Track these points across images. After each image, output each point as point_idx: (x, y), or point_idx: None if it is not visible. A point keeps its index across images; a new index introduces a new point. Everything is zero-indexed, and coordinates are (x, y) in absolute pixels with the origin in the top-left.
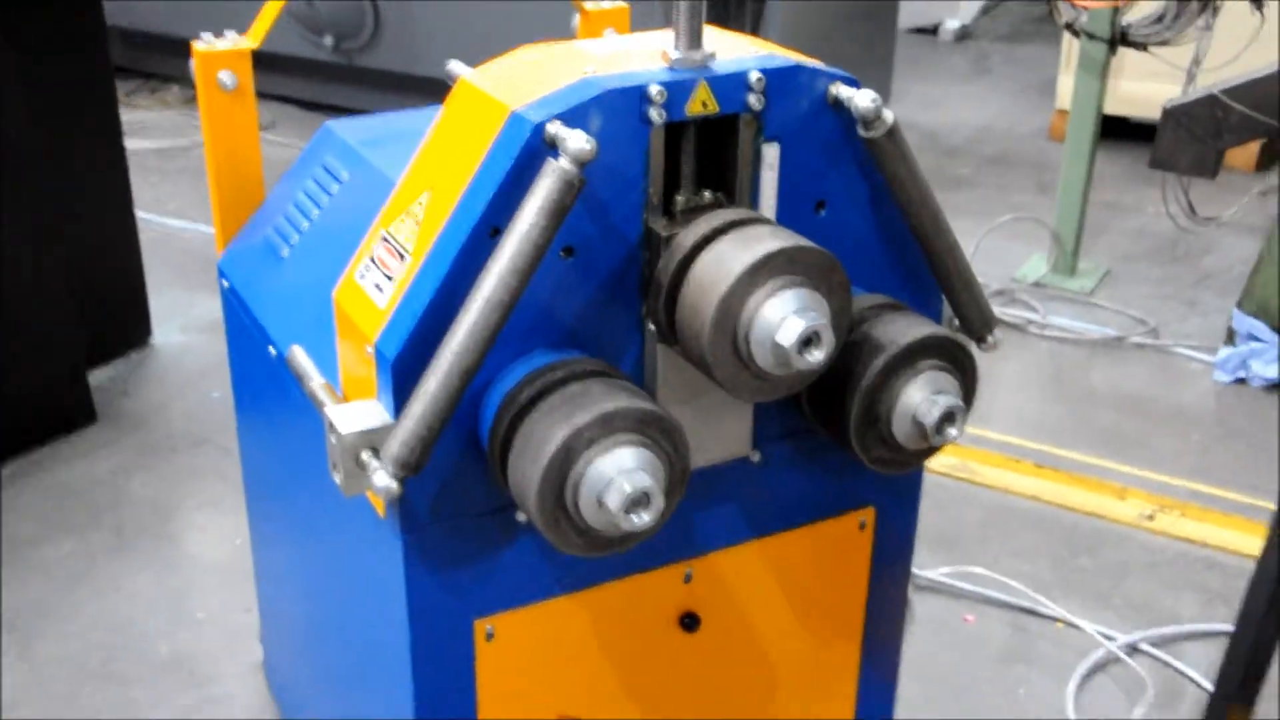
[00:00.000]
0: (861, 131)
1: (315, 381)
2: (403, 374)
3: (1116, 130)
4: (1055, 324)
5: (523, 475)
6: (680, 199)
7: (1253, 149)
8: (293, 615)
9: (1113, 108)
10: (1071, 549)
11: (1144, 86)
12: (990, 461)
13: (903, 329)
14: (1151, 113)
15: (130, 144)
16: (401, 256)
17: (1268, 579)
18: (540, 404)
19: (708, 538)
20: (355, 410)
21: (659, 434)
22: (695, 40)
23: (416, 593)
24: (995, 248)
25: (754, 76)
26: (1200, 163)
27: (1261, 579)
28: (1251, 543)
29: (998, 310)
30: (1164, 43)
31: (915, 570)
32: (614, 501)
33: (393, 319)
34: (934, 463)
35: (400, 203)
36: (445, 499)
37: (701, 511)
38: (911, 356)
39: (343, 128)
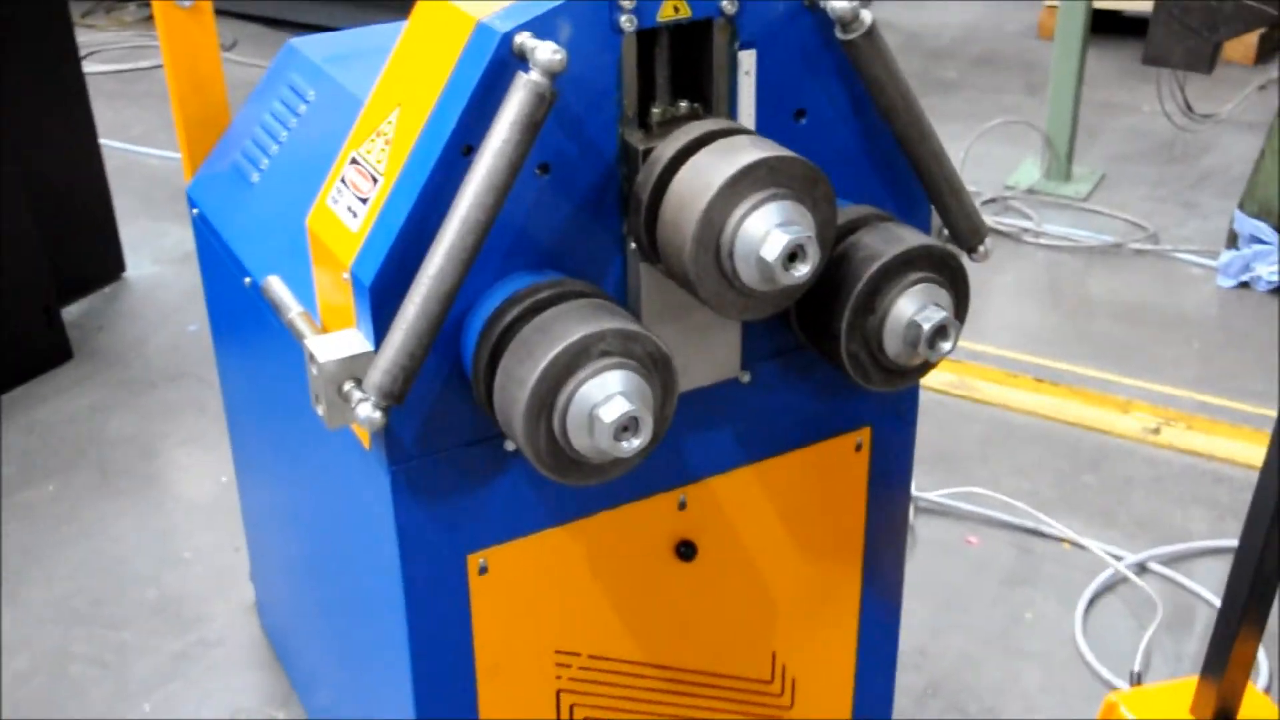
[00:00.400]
0: (839, 34)
1: (293, 311)
2: (381, 300)
3: (1108, 25)
4: (1050, 232)
5: (508, 402)
6: (656, 111)
7: (1250, 40)
8: (283, 553)
9: (1104, 1)
10: (1075, 466)
11: None
12: (988, 377)
13: (890, 240)
14: (1144, 6)
15: (89, 68)
16: (373, 179)
17: (1271, 491)
18: (522, 328)
19: (700, 463)
20: (335, 339)
21: (645, 356)
22: None
23: (407, 527)
24: (985, 154)
25: None
26: (1196, 57)
27: (1264, 491)
28: (1260, 454)
29: (990, 219)
30: None
31: (915, 492)
32: (602, 426)
33: (367, 243)
34: (931, 379)
35: (369, 122)
36: (432, 429)
37: (693, 436)
38: (900, 268)
39: (307, 45)
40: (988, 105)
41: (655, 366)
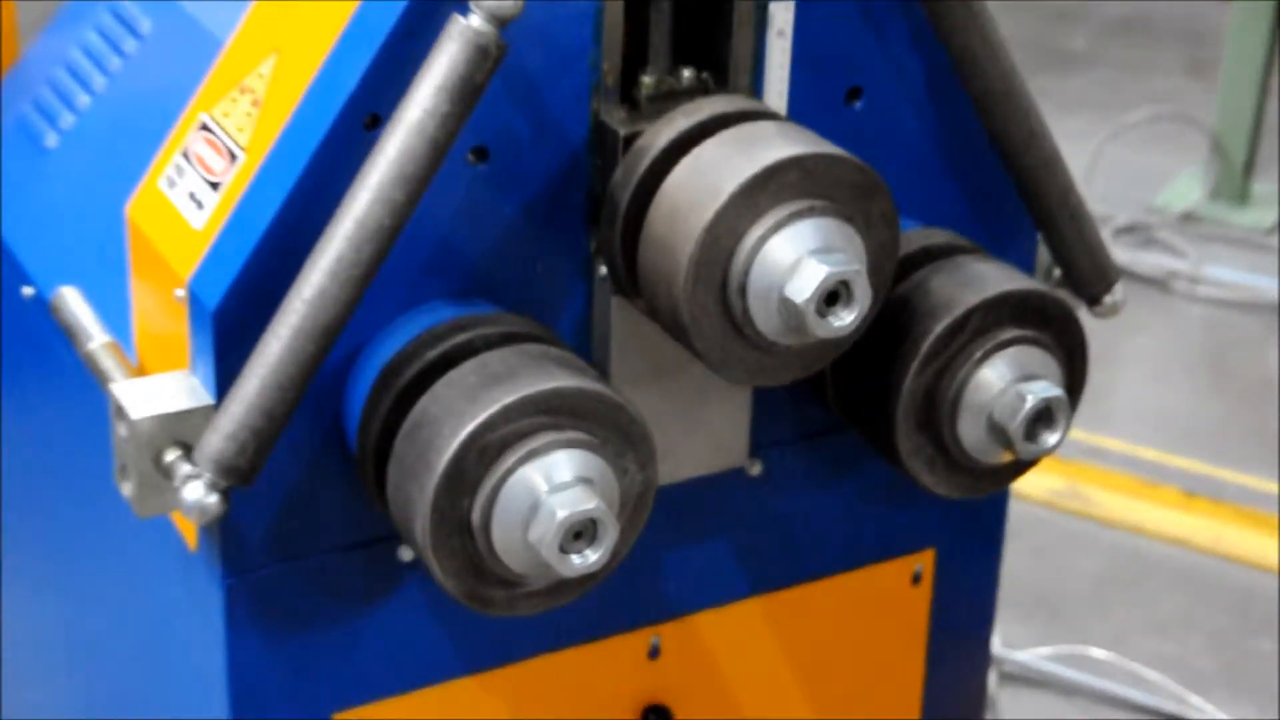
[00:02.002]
0: None
1: (95, 341)
2: (230, 331)
3: None
4: (1213, 278)
5: (407, 492)
6: (647, 80)
7: None
8: (60, 693)
9: None
10: (1241, 623)
11: None
12: (1114, 486)
13: (973, 281)
14: None
15: None
16: (230, 155)
17: None
18: (435, 383)
19: (684, 592)
20: (156, 386)
21: (612, 431)
22: None
23: (245, 669)
24: (1123, 161)
25: None
26: None
27: None
28: None
29: (1125, 255)
30: None
31: (999, 650)
32: (543, 532)
33: (216, 248)
34: (1027, 487)
35: (230, 73)
36: (291, 526)
37: (675, 551)
38: (987, 322)
39: None
40: (1130, 90)
41: (626, 447)
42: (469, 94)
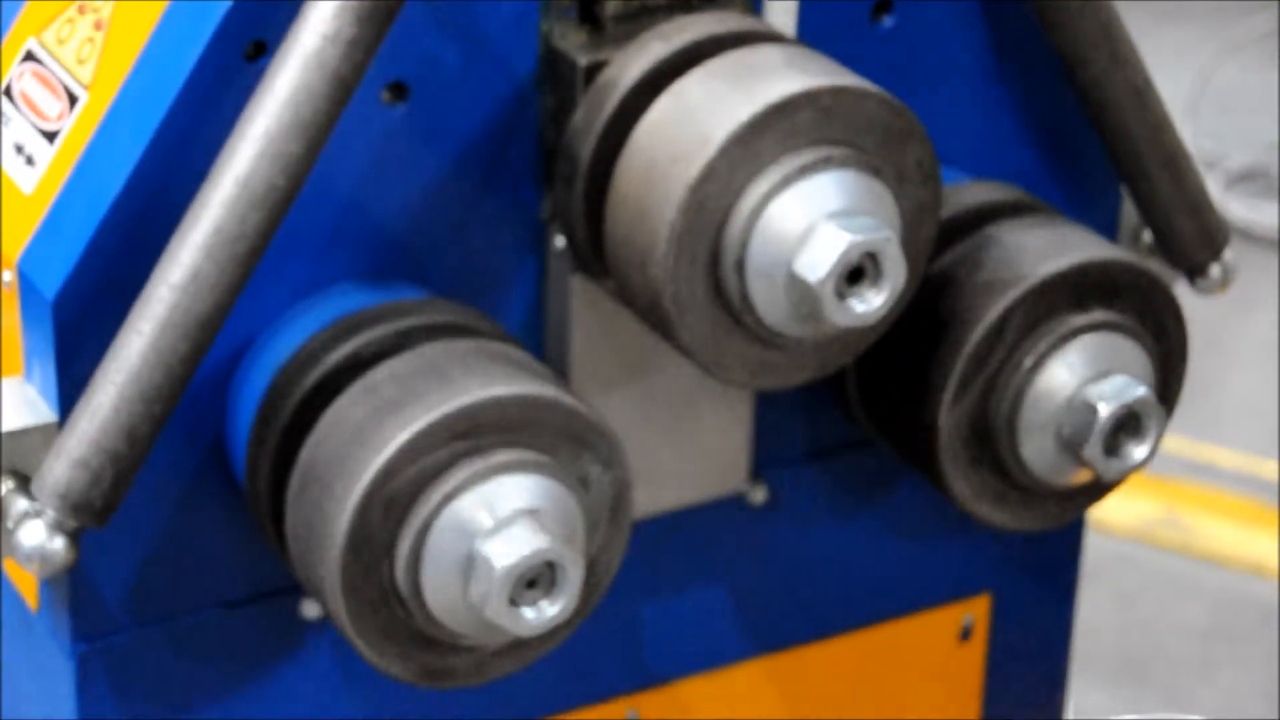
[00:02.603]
0: None
1: None
2: (74, 326)
3: None
4: None
5: (312, 532)
6: None
7: None
8: None
9: None
10: None
11: None
12: (1223, 511)
13: (1039, 251)
14: None
15: None
16: (69, 96)
17: None
18: (345, 391)
19: (667, 653)
20: None
21: (573, 448)
22: None
23: None
24: (1235, 88)
25: None
26: None
27: None
28: None
29: (1239, 210)
30: None
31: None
32: (488, 581)
33: (51, 217)
34: (1111, 515)
35: None
36: (161, 576)
37: (656, 600)
38: (1055, 305)
39: None
40: None
41: (592, 468)
42: (382, 12)
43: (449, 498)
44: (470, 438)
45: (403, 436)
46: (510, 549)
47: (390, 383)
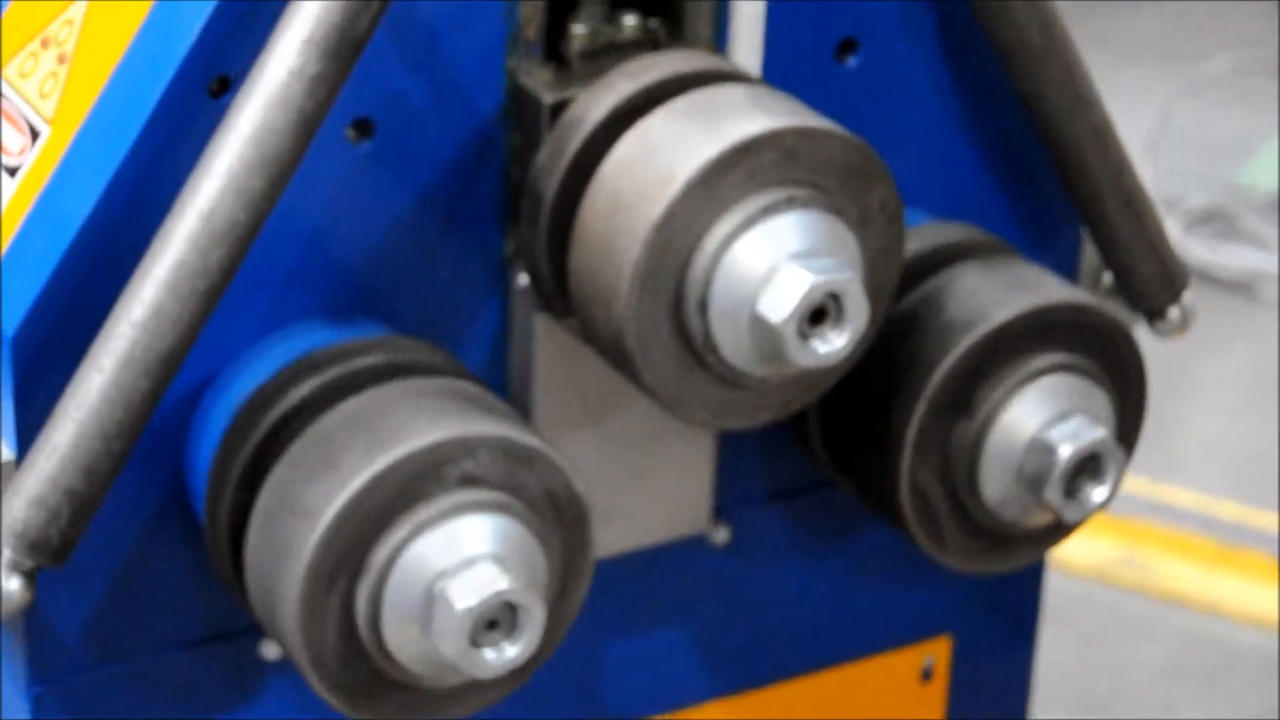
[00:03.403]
0: None
1: None
2: (32, 363)
3: None
4: None
5: (272, 571)
6: (579, 32)
7: None
8: None
9: None
10: None
11: None
12: (1183, 551)
13: (1000, 292)
14: None
15: None
16: (30, 130)
17: None
18: (302, 433)
19: (628, 694)
20: None
21: (536, 490)
22: None
23: None
24: (1197, 125)
25: None
26: None
27: None
28: None
29: (1199, 251)
30: None
31: None
32: (449, 623)
33: (10, 256)
34: (1072, 556)
35: (27, 19)
36: (119, 616)
37: (618, 641)
38: (1016, 344)
39: None
40: (1207, 31)
41: (553, 511)
42: (347, 49)
43: (410, 538)
44: (431, 478)
45: (363, 478)
46: (471, 590)
47: (351, 422)
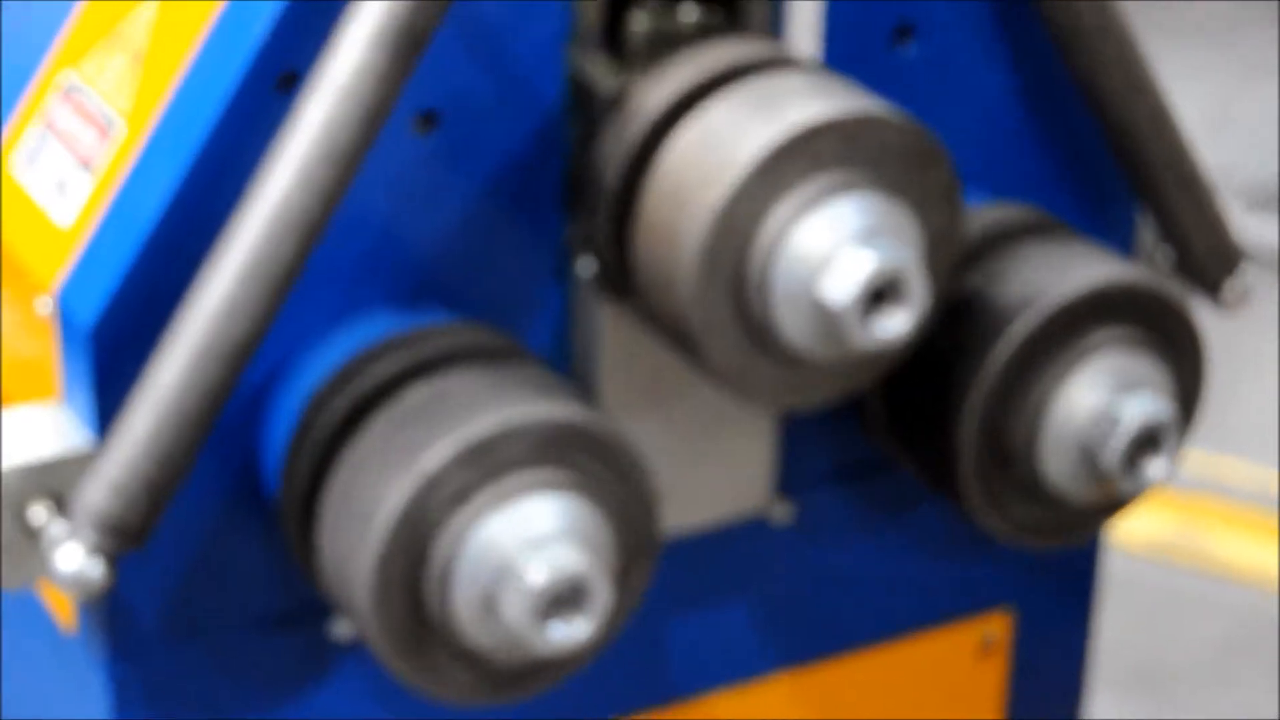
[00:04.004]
0: None
1: None
2: (111, 354)
3: None
4: None
5: (343, 553)
6: (639, 22)
7: None
8: None
9: None
10: None
11: None
12: (1240, 526)
13: (1059, 270)
14: None
15: None
16: (105, 127)
17: None
18: (375, 415)
19: (692, 669)
20: (18, 424)
21: (600, 469)
22: None
23: None
24: (1253, 109)
25: None
26: None
27: None
28: None
29: (1253, 228)
30: None
31: None
32: (517, 600)
33: (90, 249)
34: (1129, 532)
35: (99, 20)
36: (195, 597)
37: (684, 619)
38: (1076, 324)
39: None
40: (1265, 11)
41: (620, 490)
42: (412, 44)
43: (480, 516)
44: (502, 459)
45: (435, 458)
46: (541, 567)
47: (421, 406)
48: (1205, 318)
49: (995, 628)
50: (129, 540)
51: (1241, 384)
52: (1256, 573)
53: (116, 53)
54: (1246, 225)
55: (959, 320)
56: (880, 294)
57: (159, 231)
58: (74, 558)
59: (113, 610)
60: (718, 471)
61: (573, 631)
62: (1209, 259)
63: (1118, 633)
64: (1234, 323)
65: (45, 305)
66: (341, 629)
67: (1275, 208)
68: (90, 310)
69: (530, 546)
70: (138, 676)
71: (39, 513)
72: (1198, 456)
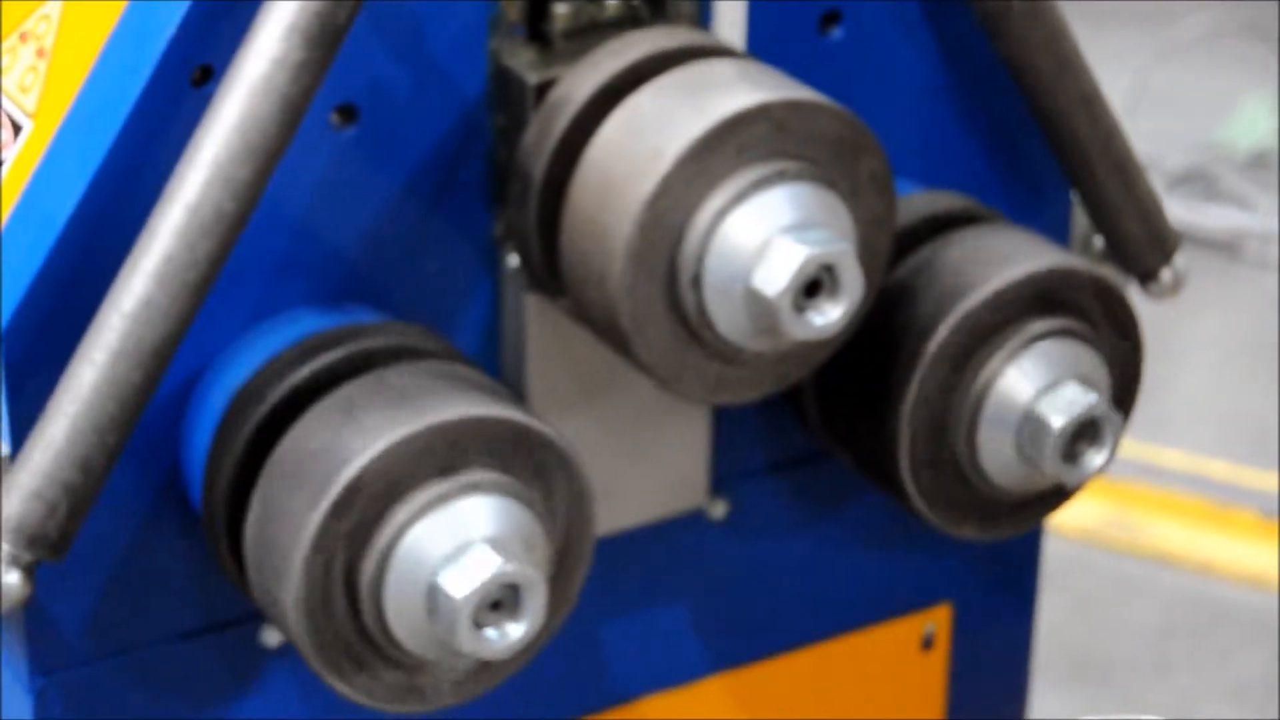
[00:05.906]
0: None
1: None
2: (24, 358)
3: None
4: None
5: (270, 559)
6: (562, 10)
7: None
8: None
9: None
10: None
11: None
12: (1174, 512)
13: (993, 259)
14: None
15: None
16: (13, 126)
17: None
18: (300, 418)
19: (628, 671)
20: None
21: (533, 469)
22: None
23: None
24: (1176, 87)
25: None
26: None
27: None
28: None
29: (1180, 211)
30: None
31: None
32: (452, 605)
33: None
34: (1065, 520)
35: (6, 15)
36: (118, 608)
37: (617, 618)
38: (1010, 311)
39: None
40: None
41: (552, 489)
42: (330, 35)
43: (411, 520)
44: (429, 459)
45: (362, 459)
46: (472, 572)
47: (348, 406)
48: (1139, 303)
49: (936, 621)
50: (48, 550)
51: (1170, 370)
52: (1190, 557)
53: (23, 47)
54: (1169, 208)
55: (893, 311)
56: (814, 285)
57: (69, 232)
58: None
59: (31, 623)
60: (652, 469)
61: (508, 635)
62: (1143, 244)
63: (1053, 619)
64: (1161, 308)
65: None
66: (270, 636)
67: (1196, 189)
68: (1, 316)
69: (462, 550)
70: (59, 690)
71: None
72: (1129, 443)
